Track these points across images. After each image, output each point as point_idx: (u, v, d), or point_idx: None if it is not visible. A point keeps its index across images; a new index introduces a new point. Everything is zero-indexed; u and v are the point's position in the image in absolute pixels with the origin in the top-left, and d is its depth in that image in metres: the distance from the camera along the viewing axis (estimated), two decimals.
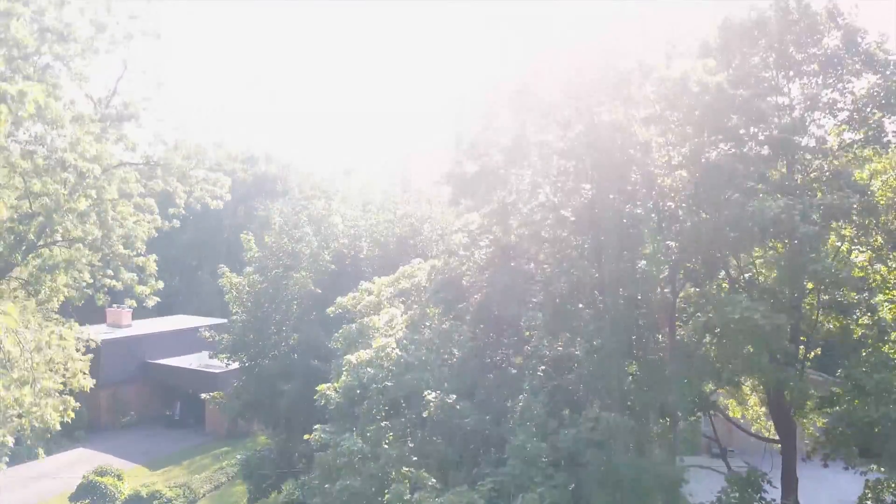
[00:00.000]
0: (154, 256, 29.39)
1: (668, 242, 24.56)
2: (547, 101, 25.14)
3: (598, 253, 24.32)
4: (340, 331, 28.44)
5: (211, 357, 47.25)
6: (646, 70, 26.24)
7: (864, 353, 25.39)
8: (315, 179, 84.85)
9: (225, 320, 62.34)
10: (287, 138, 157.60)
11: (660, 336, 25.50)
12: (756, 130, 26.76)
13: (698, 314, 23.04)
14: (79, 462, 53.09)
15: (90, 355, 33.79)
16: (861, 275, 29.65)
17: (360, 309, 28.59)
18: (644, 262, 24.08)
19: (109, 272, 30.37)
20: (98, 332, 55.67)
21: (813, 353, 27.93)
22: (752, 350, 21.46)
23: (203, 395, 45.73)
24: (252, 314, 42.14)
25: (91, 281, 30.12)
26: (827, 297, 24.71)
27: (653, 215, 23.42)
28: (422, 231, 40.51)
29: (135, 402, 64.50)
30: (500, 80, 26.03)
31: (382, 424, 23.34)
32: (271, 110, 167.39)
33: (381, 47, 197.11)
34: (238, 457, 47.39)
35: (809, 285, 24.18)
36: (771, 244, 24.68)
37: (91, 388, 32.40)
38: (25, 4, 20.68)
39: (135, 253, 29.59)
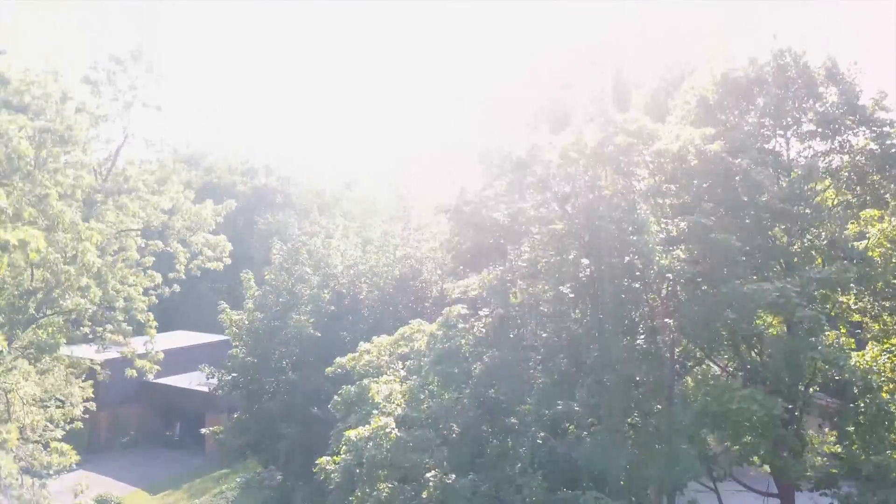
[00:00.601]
0: (155, 323, 29.61)
1: (665, 320, 24.72)
2: (545, 175, 25.25)
3: (598, 329, 24.45)
4: (341, 391, 28.59)
5: (211, 391, 47.41)
6: (645, 138, 26.33)
7: (860, 405, 25.51)
8: (315, 191, 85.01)
9: (226, 337, 62.87)
10: (287, 146, 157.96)
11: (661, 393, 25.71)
12: (754, 198, 26.77)
13: (696, 398, 23.15)
14: (78, 486, 53.16)
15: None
16: (859, 318, 29.86)
17: (360, 369, 28.72)
18: (642, 338, 24.31)
19: (109, 326, 30.65)
20: (98, 351, 55.94)
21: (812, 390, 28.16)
22: (749, 439, 21.66)
23: (203, 430, 46.04)
24: (252, 350, 42.33)
25: (91, 337, 30.45)
26: (822, 380, 24.88)
27: (652, 296, 23.51)
28: (422, 272, 40.64)
29: (134, 422, 64.55)
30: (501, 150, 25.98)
31: (382, 498, 23.55)
32: (271, 119, 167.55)
33: (376, 47, 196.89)
34: (238, 480, 47.66)
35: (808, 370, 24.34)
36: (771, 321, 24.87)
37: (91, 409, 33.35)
38: (25, 112, 20.75)
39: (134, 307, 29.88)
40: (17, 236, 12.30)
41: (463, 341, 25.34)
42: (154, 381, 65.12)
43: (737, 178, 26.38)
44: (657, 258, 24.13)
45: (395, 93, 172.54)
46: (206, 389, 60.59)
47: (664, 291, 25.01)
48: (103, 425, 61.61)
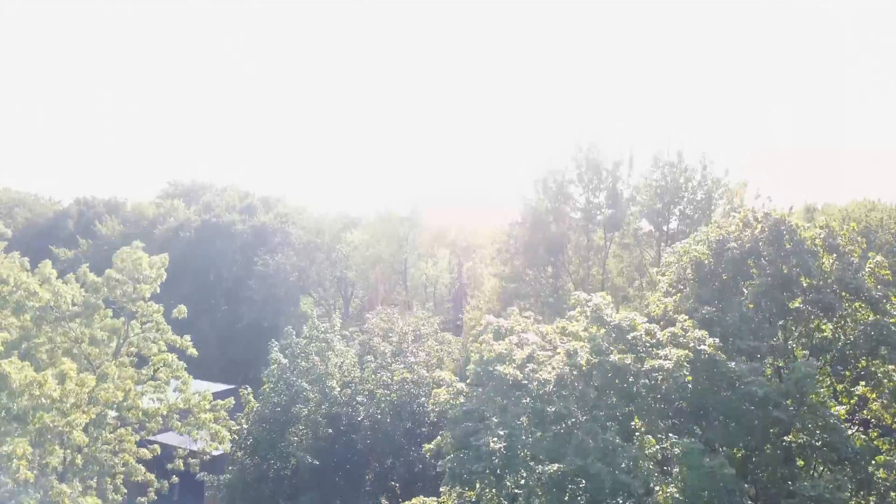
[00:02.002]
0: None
1: None
2: (544, 393, 25.43)
3: None
4: None
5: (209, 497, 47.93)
6: (643, 349, 26.51)
7: None
8: (315, 230, 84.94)
9: (231, 386, 63.98)
10: (286, 177, 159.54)
11: None
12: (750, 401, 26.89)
13: None
14: None
15: None
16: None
17: None
18: None
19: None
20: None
21: None
22: None
23: None
24: (250, 458, 42.74)
25: None
26: None
27: None
28: (419, 396, 40.83)
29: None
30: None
31: None
32: (270, 147, 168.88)
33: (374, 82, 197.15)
34: None
35: None
36: None
37: None
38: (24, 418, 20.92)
39: None
40: None
41: None
42: (153, 439, 65.87)
43: (736, 383, 26.58)
44: (652, 484, 24.38)
45: (392, 127, 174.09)
46: (205, 452, 61.39)
47: None
48: None
